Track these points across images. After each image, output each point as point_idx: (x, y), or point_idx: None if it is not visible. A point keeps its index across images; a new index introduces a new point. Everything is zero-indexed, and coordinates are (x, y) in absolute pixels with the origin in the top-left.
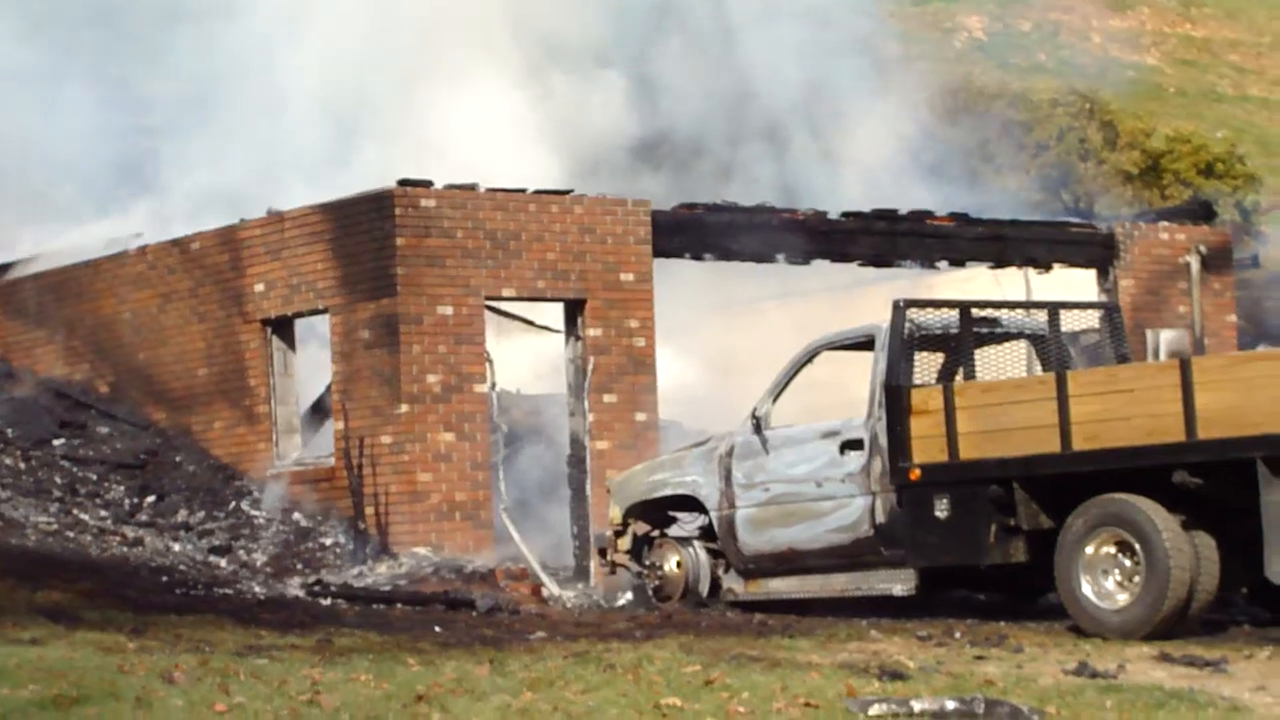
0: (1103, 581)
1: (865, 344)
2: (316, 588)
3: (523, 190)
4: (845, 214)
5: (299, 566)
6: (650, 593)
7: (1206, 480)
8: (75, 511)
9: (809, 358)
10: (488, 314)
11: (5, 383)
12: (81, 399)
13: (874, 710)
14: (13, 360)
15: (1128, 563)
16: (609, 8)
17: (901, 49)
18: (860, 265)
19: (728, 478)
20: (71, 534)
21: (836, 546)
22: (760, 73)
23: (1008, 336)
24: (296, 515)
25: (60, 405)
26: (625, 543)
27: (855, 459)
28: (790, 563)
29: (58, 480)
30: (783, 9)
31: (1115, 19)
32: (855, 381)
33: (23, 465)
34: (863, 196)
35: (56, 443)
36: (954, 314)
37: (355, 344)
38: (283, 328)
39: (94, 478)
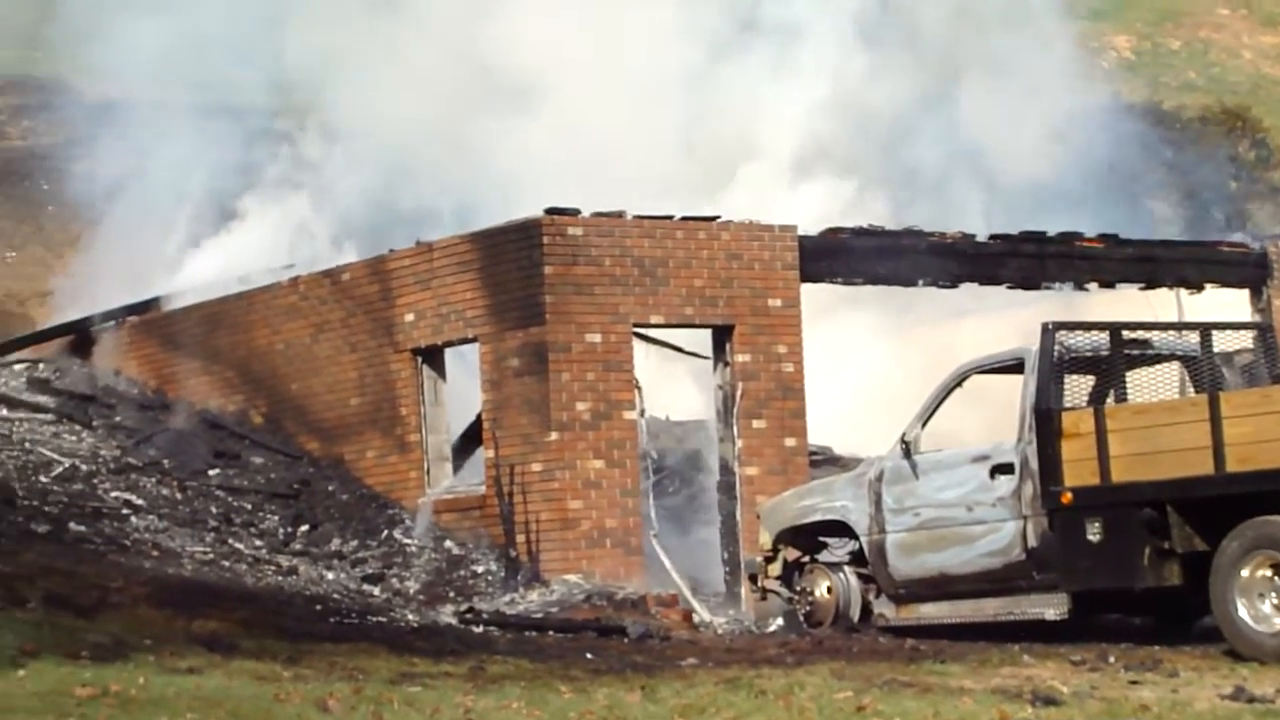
0: (1259, 605)
1: (1014, 367)
2: (469, 615)
3: (669, 217)
4: (993, 236)
5: (451, 594)
6: (801, 618)
7: None
8: (230, 541)
9: (958, 382)
10: (636, 341)
11: (162, 414)
12: (236, 429)
13: None
14: (169, 392)
15: None
16: None
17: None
18: (1008, 288)
19: (878, 503)
20: (227, 563)
21: (988, 571)
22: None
23: (1159, 358)
24: (448, 543)
25: (215, 436)
26: (776, 568)
27: (1006, 483)
28: (941, 587)
29: (213, 510)
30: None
31: (1266, 35)
32: (1005, 405)
33: (179, 495)
34: (1011, 218)
35: (212, 473)
36: (1104, 336)
37: (505, 372)
38: (433, 357)
39: (249, 507)
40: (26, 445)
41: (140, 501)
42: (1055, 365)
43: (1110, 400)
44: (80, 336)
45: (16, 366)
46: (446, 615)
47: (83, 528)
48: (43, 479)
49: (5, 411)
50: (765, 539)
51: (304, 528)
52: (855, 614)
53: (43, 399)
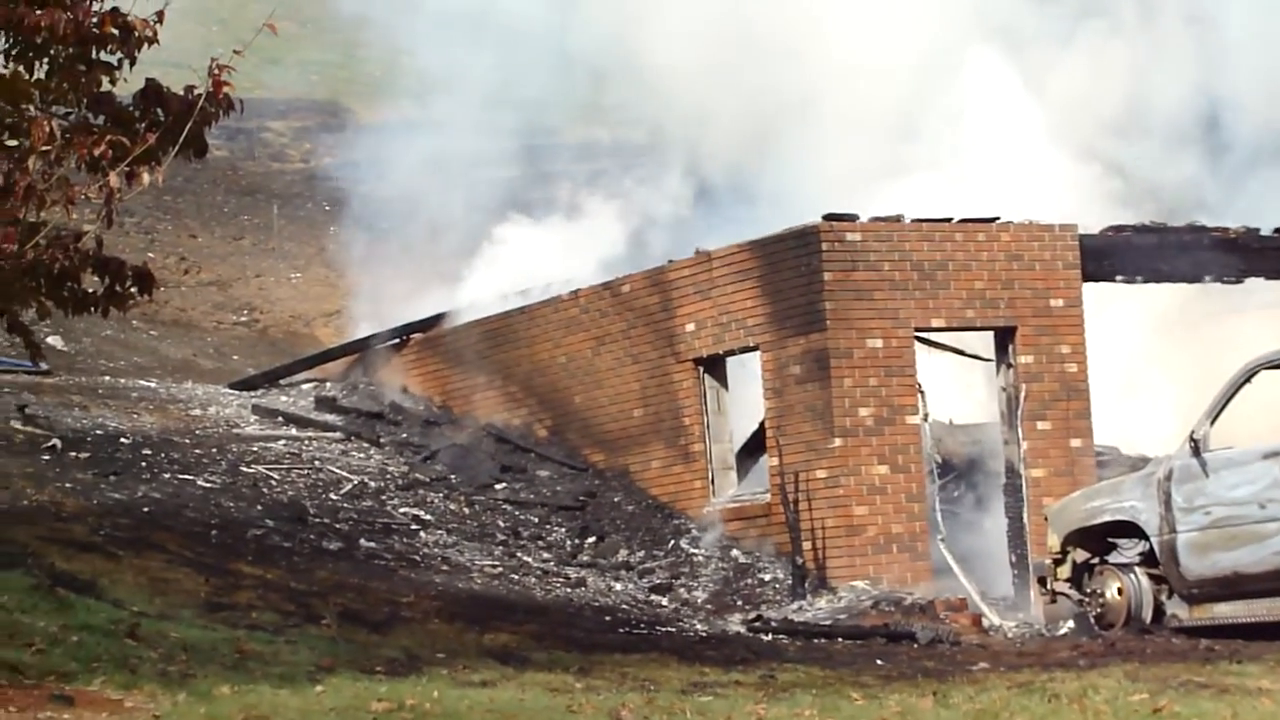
0: None
1: None
2: (757, 623)
3: (948, 220)
4: (1278, 230)
5: (738, 603)
6: (1092, 620)
7: None
8: (519, 554)
9: (1247, 378)
10: (917, 345)
11: (448, 429)
12: (521, 443)
13: None
14: (454, 407)
15: None
16: None
17: None
18: None
19: (1167, 502)
20: (516, 576)
21: None
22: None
23: None
24: (735, 552)
25: (501, 450)
26: (1065, 570)
27: None
28: (1235, 587)
29: (501, 524)
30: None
31: None
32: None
33: (467, 510)
34: None
35: (498, 487)
36: None
37: (786, 380)
38: (714, 366)
39: (535, 520)
40: (316, 463)
41: (429, 517)
42: None
43: None
44: (366, 355)
45: (304, 386)
46: (735, 624)
47: (373, 544)
48: (333, 496)
49: (295, 431)
50: (1053, 541)
51: (591, 539)
52: (1148, 615)
53: (331, 417)
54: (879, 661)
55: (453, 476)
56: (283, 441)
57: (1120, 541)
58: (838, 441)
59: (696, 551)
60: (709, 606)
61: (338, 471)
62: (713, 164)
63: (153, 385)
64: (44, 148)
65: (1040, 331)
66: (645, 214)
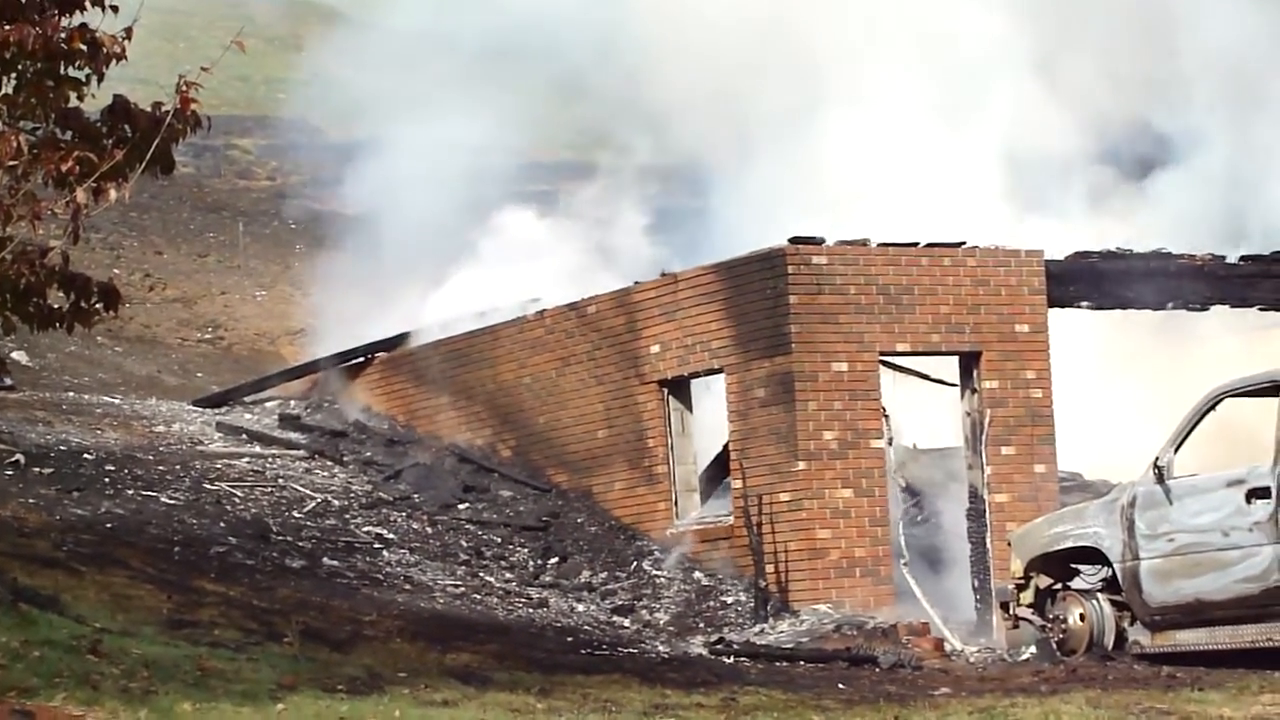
0: None
1: (1269, 390)
2: (719, 646)
3: (914, 244)
4: (1244, 257)
5: (701, 625)
6: (1054, 646)
7: None
8: (481, 574)
9: (1211, 405)
10: (882, 369)
11: (412, 448)
12: (484, 463)
13: None
14: (418, 427)
15: None
16: None
17: None
18: (1261, 310)
19: (1130, 529)
20: (478, 596)
21: (1245, 597)
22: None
23: None
24: (697, 574)
25: (464, 470)
26: (1028, 596)
27: (1262, 507)
28: (1197, 614)
29: (463, 544)
30: None
31: None
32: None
33: (429, 530)
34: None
35: (461, 507)
36: None
37: (751, 402)
38: (679, 388)
39: (498, 540)
40: (280, 481)
41: (391, 536)
42: None
43: None
44: (330, 373)
45: (269, 404)
46: (697, 646)
47: (336, 562)
48: (296, 514)
49: (258, 448)
50: (1016, 566)
51: (553, 560)
52: (1110, 641)
53: (294, 436)
54: (841, 685)
55: (416, 496)
56: (246, 459)
57: (1083, 567)
58: (802, 465)
59: (659, 573)
60: (671, 628)
61: (301, 489)
62: (680, 180)
63: (117, 401)
64: (11, 163)
65: (1005, 357)
66: (612, 234)
